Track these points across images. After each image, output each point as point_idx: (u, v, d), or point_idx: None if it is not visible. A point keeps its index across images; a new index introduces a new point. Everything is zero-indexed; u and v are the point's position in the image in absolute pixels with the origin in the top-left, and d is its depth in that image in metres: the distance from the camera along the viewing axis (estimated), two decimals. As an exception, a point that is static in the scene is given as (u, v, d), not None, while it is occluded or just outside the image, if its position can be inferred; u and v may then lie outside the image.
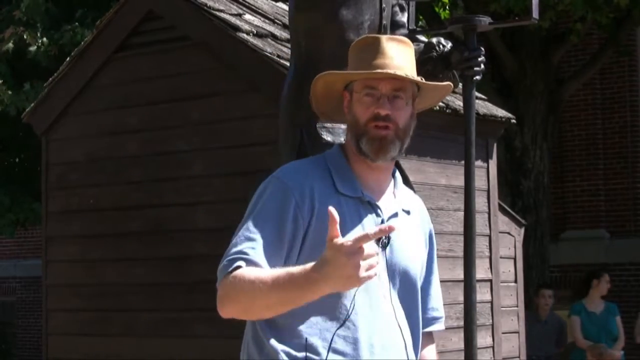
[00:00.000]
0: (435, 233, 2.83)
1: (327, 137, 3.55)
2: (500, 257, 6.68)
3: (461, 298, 3.90)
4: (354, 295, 2.49)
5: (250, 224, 2.51)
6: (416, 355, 2.69)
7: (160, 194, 6.01)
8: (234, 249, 2.49)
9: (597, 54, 12.57)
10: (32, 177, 11.83)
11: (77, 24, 10.65)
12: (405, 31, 3.95)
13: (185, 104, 5.94)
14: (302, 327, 2.49)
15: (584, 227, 13.66)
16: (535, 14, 3.78)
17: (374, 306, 2.53)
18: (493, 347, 6.56)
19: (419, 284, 2.70)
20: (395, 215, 2.64)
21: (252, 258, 2.45)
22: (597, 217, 13.67)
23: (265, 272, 2.41)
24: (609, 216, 13.66)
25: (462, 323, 3.79)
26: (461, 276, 3.81)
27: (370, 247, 2.26)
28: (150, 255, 6.02)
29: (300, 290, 2.34)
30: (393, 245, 2.60)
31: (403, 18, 3.98)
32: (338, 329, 2.48)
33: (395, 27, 3.94)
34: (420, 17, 11.12)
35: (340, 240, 2.25)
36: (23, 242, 17.88)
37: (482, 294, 6.32)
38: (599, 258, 13.03)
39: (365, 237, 2.25)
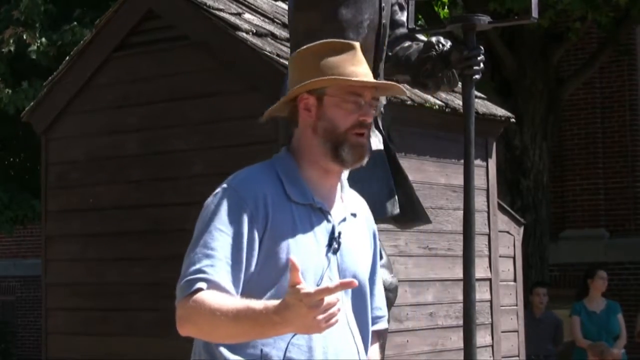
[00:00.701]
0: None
1: (327, 136, 3.54)
2: (500, 256, 6.69)
3: (460, 297, 3.91)
4: None
5: (207, 239, 2.48)
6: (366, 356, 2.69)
7: (160, 194, 6.00)
8: (193, 267, 2.48)
9: (597, 53, 12.57)
10: (32, 176, 11.84)
11: (75, 23, 10.64)
12: (404, 30, 3.96)
13: (185, 103, 5.93)
14: None
15: (583, 226, 13.66)
16: (534, 13, 3.79)
17: None
18: (492, 346, 6.57)
19: (368, 286, 2.71)
20: (344, 220, 2.63)
21: (213, 278, 2.44)
22: (596, 216, 13.67)
23: (226, 302, 2.38)
24: (609, 215, 13.66)
25: (461, 322, 3.80)
26: (460, 275, 3.82)
27: (331, 296, 2.25)
28: (150, 255, 6.02)
29: (262, 328, 2.34)
30: (343, 250, 2.59)
31: (402, 17, 3.99)
32: (292, 337, 2.45)
33: (394, 26, 3.94)
34: (420, 16, 11.12)
35: (302, 289, 2.24)
36: (22, 241, 17.89)
37: (481, 292, 6.32)
38: (599, 257, 13.03)
39: (327, 291, 2.24)
